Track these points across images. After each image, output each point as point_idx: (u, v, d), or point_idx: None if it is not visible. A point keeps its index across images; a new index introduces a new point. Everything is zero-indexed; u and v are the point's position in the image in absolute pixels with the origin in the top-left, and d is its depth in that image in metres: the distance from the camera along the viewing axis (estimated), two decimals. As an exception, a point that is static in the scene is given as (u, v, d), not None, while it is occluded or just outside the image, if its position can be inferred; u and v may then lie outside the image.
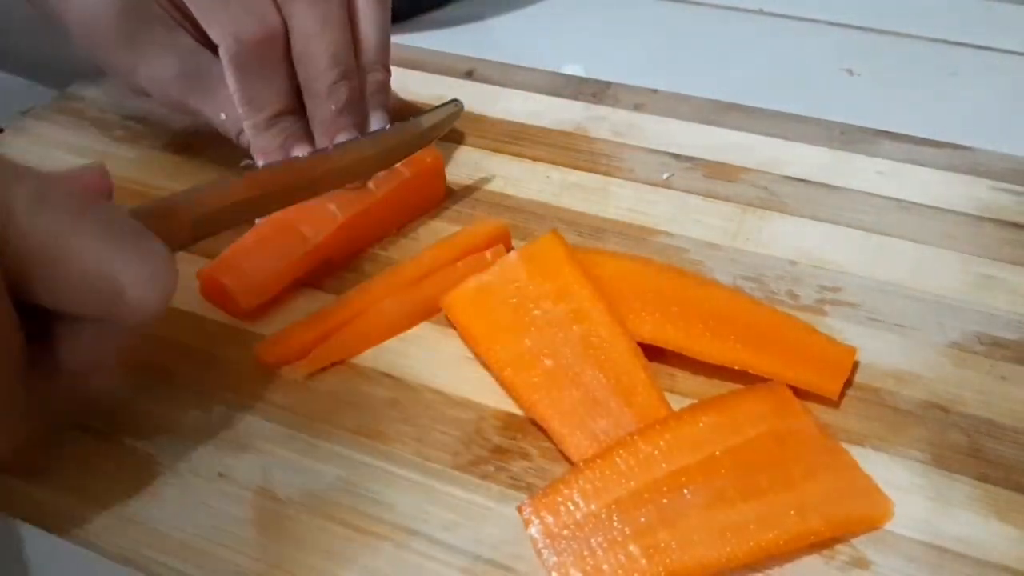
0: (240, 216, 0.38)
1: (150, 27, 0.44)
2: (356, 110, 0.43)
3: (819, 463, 0.33)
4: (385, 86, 0.45)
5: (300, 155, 0.43)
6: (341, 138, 0.43)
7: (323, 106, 0.42)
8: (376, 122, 0.44)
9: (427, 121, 0.44)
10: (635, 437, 0.33)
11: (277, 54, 0.41)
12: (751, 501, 0.32)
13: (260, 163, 0.44)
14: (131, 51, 0.44)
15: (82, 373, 0.33)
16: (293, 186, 0.39)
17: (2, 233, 0.29)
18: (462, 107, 0.45)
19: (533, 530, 0.32)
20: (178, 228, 0.35)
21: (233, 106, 0.43)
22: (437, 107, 0.44)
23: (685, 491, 0.32)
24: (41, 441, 0.35)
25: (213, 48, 0.43)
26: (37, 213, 0.29)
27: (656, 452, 0.33)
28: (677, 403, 0.36)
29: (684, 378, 0.38)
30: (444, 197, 0.46)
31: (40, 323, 0.31)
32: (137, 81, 0.45)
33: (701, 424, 0.34)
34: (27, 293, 0.30)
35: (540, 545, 0.32)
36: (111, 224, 0.31)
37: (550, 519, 0.32)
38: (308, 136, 0.44)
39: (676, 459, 0.33)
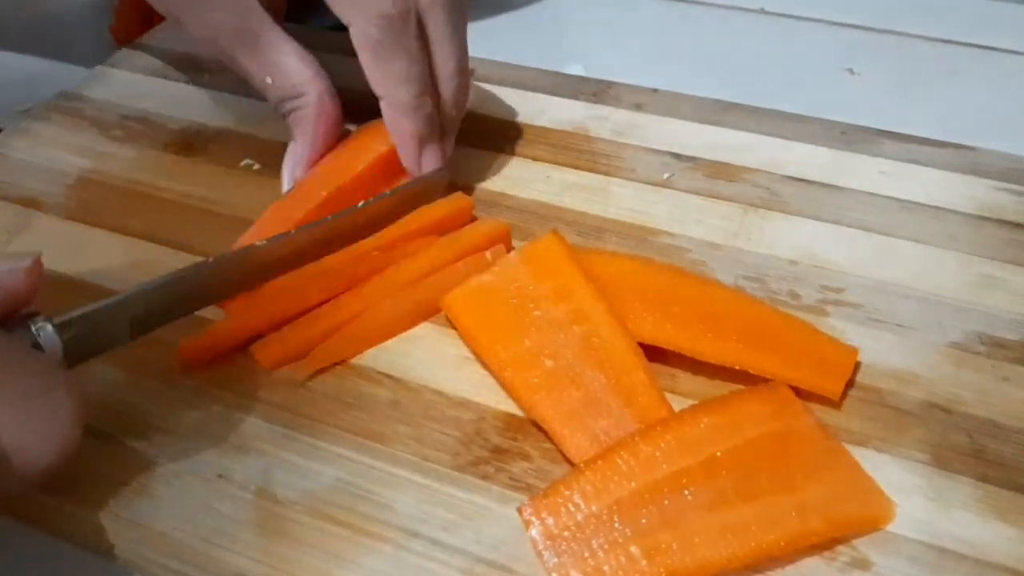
0: (184, 308, 0.38)
1: None
2: (436, 129, 0.44)
3: (820, 464, 0.33)
4: (457, 123, 0.46)
5: (433, 157, 0.44)
6: (425, 161, 0.43)
7: (445, 110, 0.43)
8: (447, 148, 0.45)
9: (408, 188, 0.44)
10: (636, 438, 0.33)
11: (412, 27, 0.41)
12: (752, 502, 0.32)
13: (302, 141, 0.44)
14: None
15: None
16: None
17: None
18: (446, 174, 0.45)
19: (534, 531, 0.32)
20: (115, 330, 0.35)
21: (282, 74, 0.44)
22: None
23: (686, 492, 0.32)
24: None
25: (269, 8, 0.43)
26: None
27: (657, 453, 0.33)
28: (678, 404, 0.36)
29: (685, 379, 0.38)
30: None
31: None
32: (186, 24, 0.45)
33: (702, 425, 0.34)
34: None
35: (540, 546, 0.32)
36: (11, 385, 0.29)
37: (551, 520, 0.32)
38: (440, 131, 0.44)
39: (677, 460, 0.33)
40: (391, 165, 0.44)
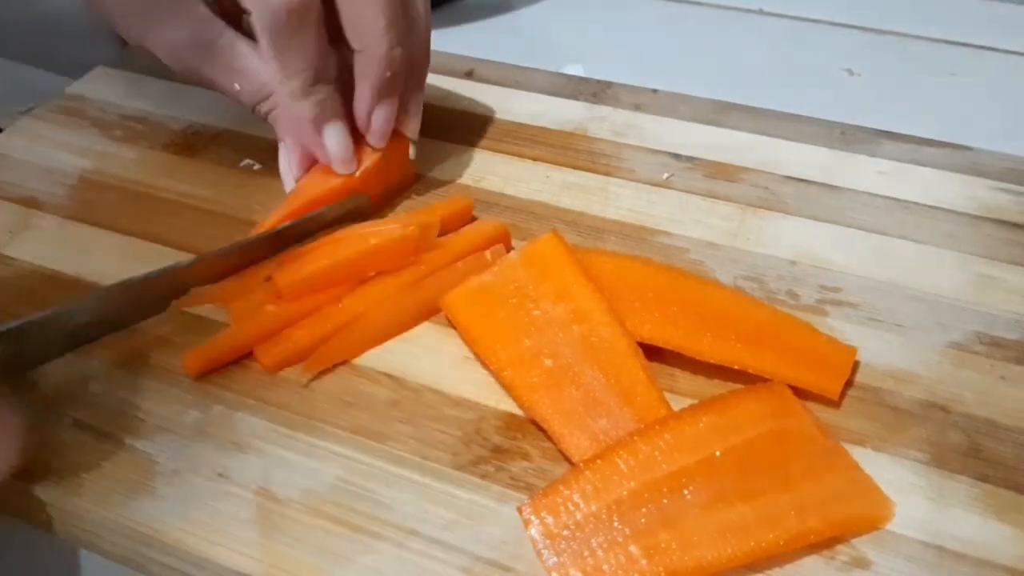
0: (116, 323, 0.39)
1: None
2: (400, 84, 0.44)
3: (819, 463, 0.33)
4: (423, 79, 0.46)
5: (335, 135, 0.43)
6: (379, 111, 0.43)
7: (378, 70, 0.42)
8: (414, 104, 0.45)
9: (330, 213, 0.43)
10: (635, 437, 0.33)
11: (312, 18, 0.41)
12: (751, 501, 0.32)
13: (287, 140, 0.44)
14: (143, 17, 0.44)
15: None
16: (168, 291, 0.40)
17: None
18: (367, 200, 0.45)
19: (533, 531, 0.32)
20: (52, 343, 0.37)
21: (248, 78, 0.43)
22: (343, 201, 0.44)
23: (685, 491, 0.32)
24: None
25: (227, 18, 0.43)
26: None
27: (656, 452, 0.33)
28: (677, 403, 0.36)
29: (684, 378, 0.38)
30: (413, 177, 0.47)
31: None
32: (149, 47, 0.45)
33: (701, 424, 0.34)
34: None
35: (540, 546, 0.32)
36: None
37: (550, 520, 0.32)
38: (342, 113, 0.44)
39: (676, 459, 0.33)
40: (392, 153, 0.45)
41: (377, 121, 0.44)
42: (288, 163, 0.45)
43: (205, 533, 0.33)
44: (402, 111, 0.45)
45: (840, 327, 0.39)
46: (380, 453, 0.36)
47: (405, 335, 0.40)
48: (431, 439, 0.36)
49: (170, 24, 0.44)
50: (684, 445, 0.33)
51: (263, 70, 0.43)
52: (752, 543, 0.31)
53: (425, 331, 0.40)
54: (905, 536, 0.32)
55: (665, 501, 0.32)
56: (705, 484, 0.32)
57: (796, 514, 0.32)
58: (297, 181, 0.45)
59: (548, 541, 0.32)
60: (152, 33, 0.44)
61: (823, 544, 0.32)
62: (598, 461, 0.33)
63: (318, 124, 0.43)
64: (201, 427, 0.37)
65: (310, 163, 0.45)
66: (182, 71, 0.45)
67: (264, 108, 0.44)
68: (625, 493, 0.32)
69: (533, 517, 0.32)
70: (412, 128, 0.46)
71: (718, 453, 0.33)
